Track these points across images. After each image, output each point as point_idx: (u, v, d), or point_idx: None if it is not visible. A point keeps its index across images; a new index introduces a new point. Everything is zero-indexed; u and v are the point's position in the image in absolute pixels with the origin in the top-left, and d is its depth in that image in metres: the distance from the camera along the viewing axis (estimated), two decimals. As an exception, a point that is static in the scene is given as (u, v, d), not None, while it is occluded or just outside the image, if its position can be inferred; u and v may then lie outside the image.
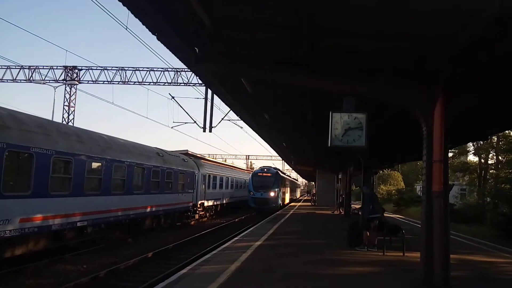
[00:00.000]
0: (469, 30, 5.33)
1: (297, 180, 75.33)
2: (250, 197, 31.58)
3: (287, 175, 52.86)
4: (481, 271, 9.55)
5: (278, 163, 65.67)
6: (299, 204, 44.31)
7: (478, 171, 34.22)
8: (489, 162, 34.10)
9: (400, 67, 7.36)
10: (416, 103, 7.35)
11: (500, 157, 31.63)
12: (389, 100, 8.28)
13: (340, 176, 34.11)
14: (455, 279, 7.30)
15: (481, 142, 29.31)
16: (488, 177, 33.67)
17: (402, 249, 10.87)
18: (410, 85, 7.37)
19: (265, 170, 34.18)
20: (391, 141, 15.29)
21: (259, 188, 31.21)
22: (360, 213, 12.92)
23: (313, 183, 65.95)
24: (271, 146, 28.34)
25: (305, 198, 68.72)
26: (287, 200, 43.04)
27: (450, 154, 31.21)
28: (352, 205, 25.44)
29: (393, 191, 49.80)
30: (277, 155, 43.16)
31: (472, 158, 38.93)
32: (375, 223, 11.48)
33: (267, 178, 32.34)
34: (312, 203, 41.57)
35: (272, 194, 31.27)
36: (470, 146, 34.09)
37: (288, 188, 44.93)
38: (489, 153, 33.18)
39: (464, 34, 5.50)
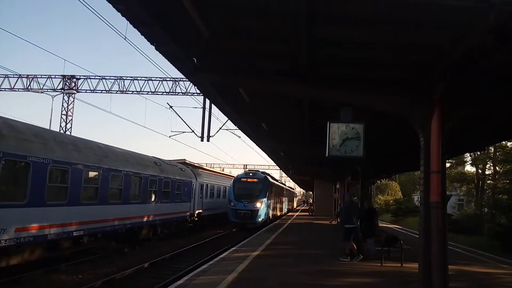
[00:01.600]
0: (466, 41, 5.38)
1: (293, 188, 74.11)
2: (230, 208, 24.82)
3: (281, 182, 46.75)
4: (480, 282, 9.51)
5: (276, 173, 65.64)
6: (297, 214, 44.16)
7: (476, 182, 34.27)
8: (486, 172, 34.20)
9: (397, 78, 7.41)
10: (413, 114, 7.38)
11: (497, 168, 31.71)
12: (387, 111, 8.31)
13: (338, 186, 34.02)
14: (453, 290, 7.26)
15: (478, 153, 29.40)
16: (485, 187, 33.70)
17: (401, 260, 10.82)
18: (408, 96, 7.41)
19: (251, 174, 27.42)
20: (389, 151, 15.32)
21: (242, 197, 24.75)
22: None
23: (311, 192, 65.82)
24: (269, 156, 28.33)
25: (303, 208, 68.53)
26: (281, 212, 37.52)
27: (448, 165, 31.27)
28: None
29: (391, 201, 49.71)
30: (275, 164, 42.99)
31: (469, 168, 39.04)
32: (356, 233, 11.54)
33: (252, 185, 25.81)
34: (310, 213, 41.43)
35: (258, 205, 24.61)
36: (467, 157, 34.17)
37: (282, 198, 39.22)
38: (486, 164, 33.26)
39: (460, 46, 5.54)
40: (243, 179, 26.50)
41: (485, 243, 20.42)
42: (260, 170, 30.67)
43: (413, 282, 7.92)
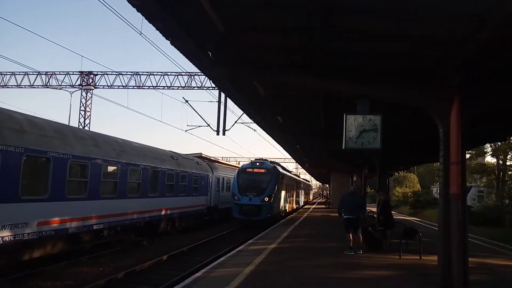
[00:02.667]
0: (484, 32, 5.25)
1: (309, 181, 73.42)
2: (234, 203, 21.94)
3: (295, 174, 43.15)
4: (501, 275, 9.36)
5: (292, 165, 65.57)
6: (313, 207, 44.08)
7: (496, 173, 33.57)
8: (508, 163, 33.47)
9: (416, 69, 7.28)
10: (432, 105, 7.25)
11: (518, 158, 31.02)
12: (405, 102, 8.20)
13: (355, 178, 33.77)
14: (474, 283, 7.15)
15: (499, 143, 28.76)
16: (506, 178, 33.00)
17: (419, 252, 10.71)
18: (427, 87, 7.28)
19: (257, 164, 23.96)
20: (407, 143, 15.10)
21: (247, 190, 21.73)
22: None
23: (327, 185, 65.55)
24: (284, 149, 28.28)
25: (319, 200, 68.36)
26: (296, 205, 35.17)
27: (467, 156, 30.66)
28: (367, 208, 25.16)
29: (409, 193, 49.15)
30: (290, 157, 42.88)
31: (489, 159, 38.26)
32: (355, 225, 11.33)
33: (259, 176, 22.76)
34: (326, 206, 41.29)
35: (266, 199, 21.54)
36: (488, 147, 33.47)
37: (297, 190, 36.02)
38: (507, 154, 32.53)
39: (479, 36, 5.41)
40: (248, 170, 23.35)
41: (506, 235, 20.03)
42: (270, 159, 26.94)
43: (432, 274, 7.83)
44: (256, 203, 21.25)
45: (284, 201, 26.46)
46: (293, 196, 32.60)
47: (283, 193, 25.49)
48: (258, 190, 21.81)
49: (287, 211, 28.31)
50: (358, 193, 12.83)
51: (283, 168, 30.13)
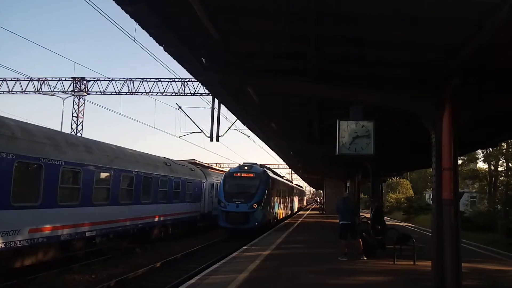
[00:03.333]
0: (477, 38, 5.31)
1: (302, 187, 73.45)
2: (220, 210, 20.20)
3: (287, 180, 41.66)
4: (494, 280, 9.39)
5: (286, 172, 65.58)
6: (307, 212, 44.06)
7: (488, 178, 33.84)
8: (499, 169, 33.75)
9: (408, 75, 7.35)
10: (425, 111, 7.32)
11: (510, 164, 31.28)
12: (398, 108, 8.26)
13: (348, 185, 33.87)
14: (467, 288, 7.18)
15: (491, 149, 29.02)
16: (498, 184, 33.26)
17: (413, 258, 10.73)
18: (419, 93, 7.35)
19: (246, 168, 22.16)
20: (400, 149, 15.19)
21: (235, 196, 20.00)
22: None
23: (321, 191, 65.61)
24: (278, 155, 28.28)
25: (313, 206, 68.36)
26: (290, 211, 34.17)
27: (459, 162, 30.88)
28: (360, 214, 25.20)
29: (402, 199, 49.36)
30: (284, 163, 42.93)
31: (481, 165, 38.57)
32: (351, 230, 11.36)
33: (247, 181, 21.01)
34: (320, 212, 41.33)
35: (254, 205, 19.78)
36: (479, 153, 33.75)
37: (290, 196, 34.66)
38: (499, 160, 32.82)
39: (471, 42, 5.47)
40: (236, 174, 21.56)
41: (498, 241, 20.17)
42: (262, 165, 25.14)
43: (426, 280, 7.85)
44: (244, 210, 19.53)
45: (275, 208, 25.06)
46: (285, 203, 31.15)
47: (274, 199, 24.11)
48: (246, 196, 20.10)
49: (279, 218, 26.84)
50: (351, 199, 12.91)
51: (274, 173, 28.64)
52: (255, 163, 23.82)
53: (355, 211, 12.30)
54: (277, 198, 25.88)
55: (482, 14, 4.79)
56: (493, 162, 33.38)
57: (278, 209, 26.49)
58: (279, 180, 28.49)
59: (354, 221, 11.65)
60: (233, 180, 21.05)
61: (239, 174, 21.46)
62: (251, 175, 21.35)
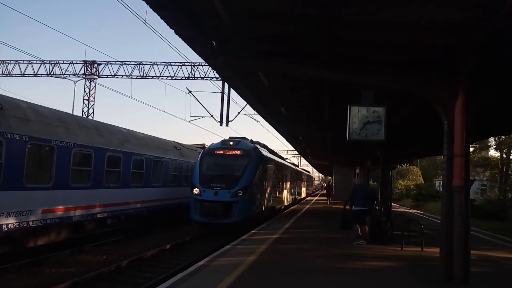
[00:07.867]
0: (491, 21, 5.19)
1: (309, 172, 72.48)
2: (192, 198, 15.12)
3: (292, 163, 36.57)
4: (503, 268, 9.38)
5: (295, 158, 65.60)
6: (315, 198, 44.14)
7: (500, 167, 33.47)
8: (511, 157, 33.31)
9: (421, 59, 7.23)
10: (437, 97, 7.22)
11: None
12: (410, 93, 8.17)
13: (357, 171, 33.74)
14: (475, 275, 7.17)
15: (503, 137, 28.62)
16: (510, 172, 32.89)
17: (421, 244, 10.73)
18: (432, 78, 7.24)
19: (231, 144, 16.63)
20: (411, 135, 15.06)
21: (213, 180, 15.12)
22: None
23: (330, 177, 65.55)
24: (287, 140, 28.26)
25: (322, 192, 68.41)
26: (293, 199, 29.36)
27: (471, 149, 30.51)
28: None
29: (412, 186, 49.15)
30: (294, 149, 42.87)
31: (493, 153, 38.11)
32: (365, 216, 11.48)
33: (232, 160, 16.03)
34: (329, 198, 41.31)
35: (240, 193, 14.80)
36: (492, 141, 33.32)
37: (294, 182, 29.62)
38: (511, 148, 32.39)
39: (486, 25, 5.35)
40: (217, 151, 16.25)
41: (508, 229, 20.04)
42: (251, 139, 19.68)
43: (434, 266, 7.85)
44: (225, 199, 14.59)
45: (270, 196, 19.69)
46: (286, 189, 25.64)
47: (268, 185, 18.84)
48: (229, 180, 15.15)
49: (276, 208, 21.78)
50: (367, 186, 13.12)
51: (272, 152, 22.77)
52: (244, 138, 18.96)
53: (374, 198, 12.40)
54: (274, 184, 20.74)
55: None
56: (505, 150, 32.96)
57: (275, 197, 21.24)
58: (277, 161, 22.47)
59: (370, 207, 11.80)
60: (213, 158, 16.07)
61: (221, 152, 16.23)
62: (237, 152, 16.17)
